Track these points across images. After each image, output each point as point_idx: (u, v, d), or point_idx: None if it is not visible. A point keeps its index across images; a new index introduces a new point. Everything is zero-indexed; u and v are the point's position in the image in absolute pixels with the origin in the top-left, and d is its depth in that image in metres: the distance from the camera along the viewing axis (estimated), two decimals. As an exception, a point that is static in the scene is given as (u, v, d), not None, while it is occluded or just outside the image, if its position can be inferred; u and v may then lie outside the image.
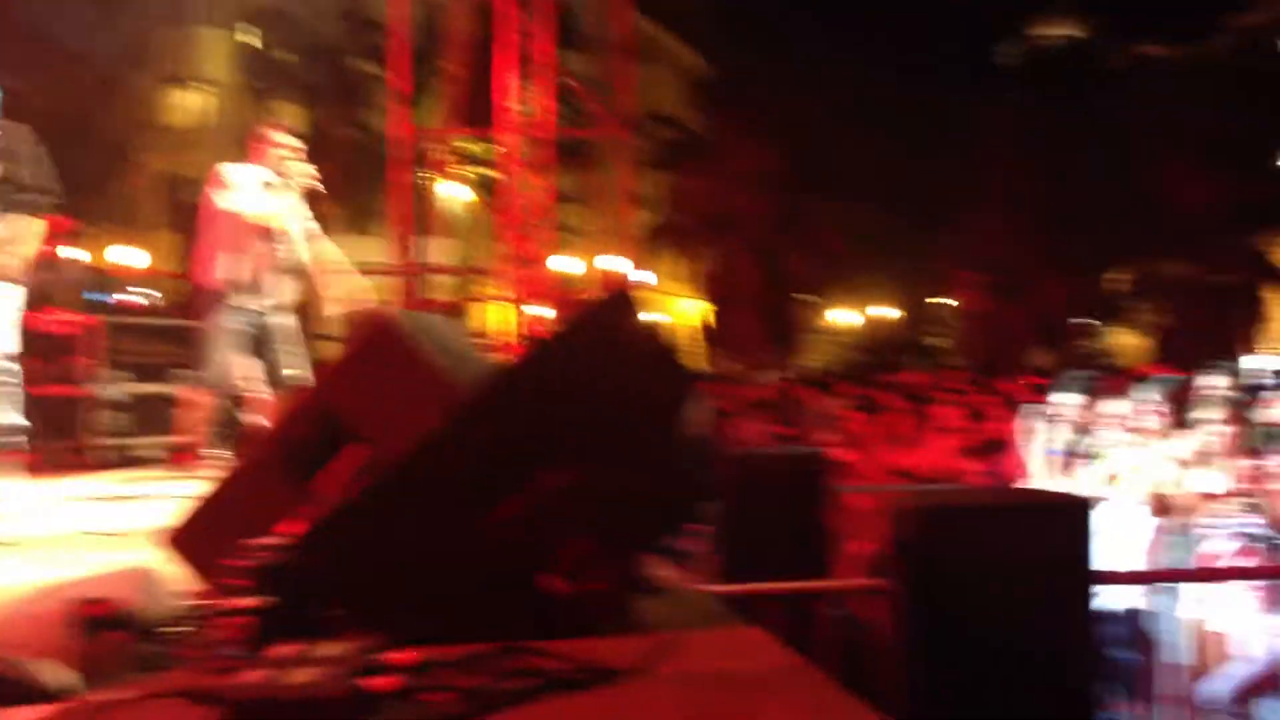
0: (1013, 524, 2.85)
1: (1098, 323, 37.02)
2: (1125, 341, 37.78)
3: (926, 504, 2.94)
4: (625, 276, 18.97)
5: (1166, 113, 32.68)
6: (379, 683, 1.78)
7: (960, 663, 2.84)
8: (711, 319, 34.67)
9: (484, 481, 2.27)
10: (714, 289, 34.29)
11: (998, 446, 7.81)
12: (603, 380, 2.42)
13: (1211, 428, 6.00)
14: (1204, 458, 5.79)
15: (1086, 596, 2.92)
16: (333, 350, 6.85)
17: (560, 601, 2.20)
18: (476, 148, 22.69)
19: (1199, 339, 32.23)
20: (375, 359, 2.64)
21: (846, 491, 8.15)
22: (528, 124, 15.36)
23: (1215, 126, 32.06)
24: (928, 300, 38.71)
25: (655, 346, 2.60)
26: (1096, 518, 3.00)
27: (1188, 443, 5.98)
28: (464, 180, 24.75)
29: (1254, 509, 5.11)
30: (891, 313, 38.50)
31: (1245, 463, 5.36)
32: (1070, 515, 2.89)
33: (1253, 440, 5.76)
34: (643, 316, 2.58)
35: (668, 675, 1.93)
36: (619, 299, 2.59)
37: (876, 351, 35.31)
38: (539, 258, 15.76)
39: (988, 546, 2.84)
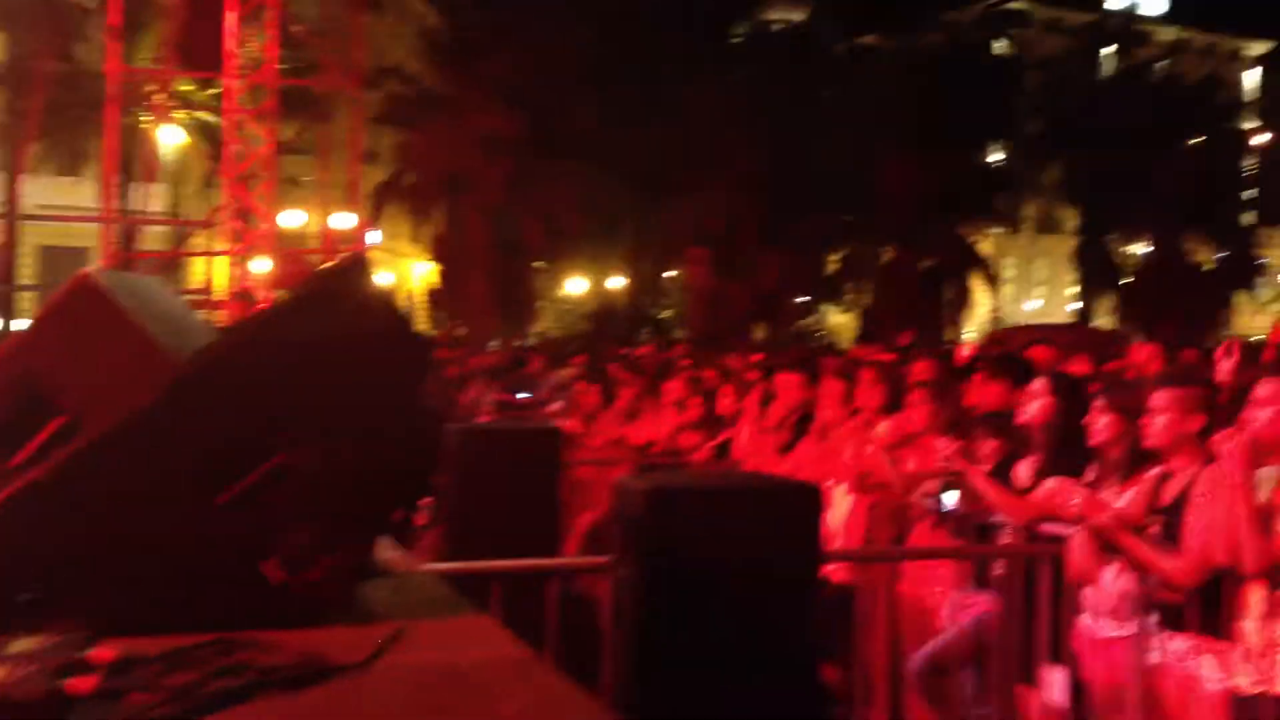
0: (740, 507, 2.88)
1: (814, 300, 38.75)
2: (839, 320, 39.71)
3: (653, 485, 2.93)
4: (353, 234, 18.43)
5: (882, 101, 34.37)
6: (80, 683, 1.61)
7: (685, 642, 2.86)
8: (440, 282, 34.23)
9: (199, 460, 2.10)
10: (443, 251, 33.84)
11: (724, 422, 7.99)
12: (333, 351, 2.28)
13: (918, 408, 6.29)
14: (912, 438, 6.06)
15: (812, 579, 2.99)
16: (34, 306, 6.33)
17: (281, 590, 2.07)
18: (196, 91, 21.54)
19: (904, 320, 34.19)
20: (76, 322, 2.40)
21: (577, 465, 8.20)
22: (251, 69, 14.67)
23: (926, 117, 33.96)
24: (658, 273, 39.47)
25: (389, 315, 2.47)
26: (820, 500, 3.08)
27: (897, 423, 6.26)
28: (182, 125, 23.46)
29: (956, 489, 5.39)
30: (622, 283, 39.03)
31: (947, 442, 5.64)
32: (797, 500, 2.94)
33: (955, 420, 6.08)
34: (376, 282, 2.45)
35: (392, 669, 1.84)
36: (352, 263, 2.45)
37: (607, 322, 35.72)
38: (261, 211, 15.12)
39: (714, 528, 2.86)
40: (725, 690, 2.87)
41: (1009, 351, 8.38)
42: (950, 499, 5.38)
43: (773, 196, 33.22)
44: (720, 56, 34.53)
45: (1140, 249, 41.54)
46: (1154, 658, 4.48)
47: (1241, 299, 42.13)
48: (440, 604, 2.34)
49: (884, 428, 6.29)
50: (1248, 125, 45.78)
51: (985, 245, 39.66)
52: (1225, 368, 5.68)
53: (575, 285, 39.09)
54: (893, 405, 6.44)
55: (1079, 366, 8.80)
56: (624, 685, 3.02)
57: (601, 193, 31.68)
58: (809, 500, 2.98)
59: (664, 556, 2.74)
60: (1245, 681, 4.13)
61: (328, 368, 2.20)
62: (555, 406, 11.89)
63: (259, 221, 14.93)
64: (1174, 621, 4.41)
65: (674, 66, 32.43)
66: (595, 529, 7.55)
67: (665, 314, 40.07)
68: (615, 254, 37.24)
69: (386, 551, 2.52)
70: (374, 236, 31.54)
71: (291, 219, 22.38)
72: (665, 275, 39.42)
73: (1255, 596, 4.12)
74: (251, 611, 1.99)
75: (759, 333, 34.58)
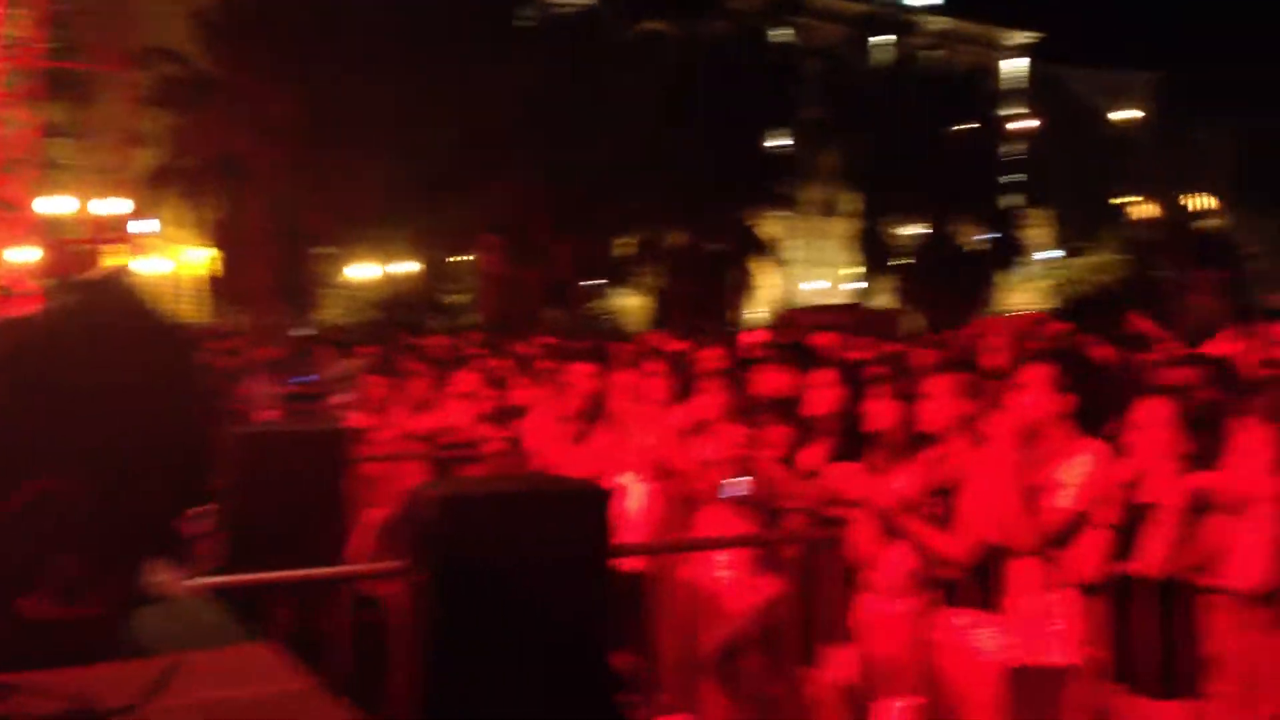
0: (533, 511, 2.86)
1: (605, 285, 39.00)
2: (630, 304, 40.07)
3: (447, 491, 2.89)
4: (123, 220, 17.58)
5: (668, 87, 34.75)
6: None
7: (480, 647, 2.83)
8: (219, 269, 33.01)
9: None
10: (221, 237, 32.60)
11: (517, 412, 7.93)
12: (96, 366, 2.14)
13: (708, 396, 6.38)
14: (702, 426, 6.14)
15: (603, 578, 3.00)
16: None
17: (45, 627, 1.93)
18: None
19: (694, 303, 34.78)
20: None
21: (365, 460, 8.01)
22: (12, 51, 13.79)
23: (711, 103, 34.53)
24: (449, 258, 39.01)
25: (157, 326, 2.34)
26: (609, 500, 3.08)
27: (688, 410, 6.33)
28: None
29: (746, 475, 5.49)
30: (412, 268, 38.39)
31: (739, 430, 5.75)
32: (588, 501, 2.94)
33: (744, 407, 6.19)
34: (136, 288, 2.31)
35: (166, 711, 1.74)
36: (111, 273, 2.31)
37: (396, 309, 35.09)
38: (21, 199, 14.26)
39: (508, 533, 2.83)
40: (519, 693, 2.85)
41: (795, 339, 8.60)
42: (741, 485, 5.48)
43: (564, 182, 33.24)
44: (506, 41, 34.29)
45: (916, 231, 43.33)
46: (933, 633, 4.67)
47: (1006, 278, 44.43)
48: (217, 631, 2.23)
49: (677, 416, 6.35)
50: (1013, 112, 48.23)
51: (770, 228, 40.65)
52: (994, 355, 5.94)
53: (364, 271, 38.26)
54: (683, 393, 6.52)
55: (861, 351, 9.11)
56: (417, 690, 2.96)
57: (388, 179, 31.04)
58: (599, 501, 2.97)
59: (458, 563, 2.70)
60: (1018, 652, 4.35)
61: (86, 385, 2.06)
62: (342, 398, 11.58)
63: (19, 210, 14.08)
64: (952, 597, 4.61)
65: (460, 51, 32.03)
66: (386, 527, 7.40)
67: (457, 300, 39.66)
68: (405, 239, 36.60)
69: (159, 573, 2.38)
70: (149, 224, 30.15)
71: (56, 205, 21.17)
72: (457, 260, 39.00)
73: (1026, 571, 4.34)
74: (15, 652, 1.86)
75: (551, 318, 34.61)
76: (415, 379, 9.53)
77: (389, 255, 37.71)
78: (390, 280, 38.09)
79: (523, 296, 33.45)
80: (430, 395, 9.14)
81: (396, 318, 32.17)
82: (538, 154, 32.56)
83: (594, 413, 6.97)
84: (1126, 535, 4.12)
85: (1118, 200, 49.53)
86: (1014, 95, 51.59)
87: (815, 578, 5.12)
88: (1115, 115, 53.69)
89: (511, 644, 2.85)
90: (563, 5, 38.86)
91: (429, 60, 31.22)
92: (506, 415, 8.03)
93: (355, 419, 9.40)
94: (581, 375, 7.19)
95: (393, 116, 30.03)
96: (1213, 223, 49.38)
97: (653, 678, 5.67)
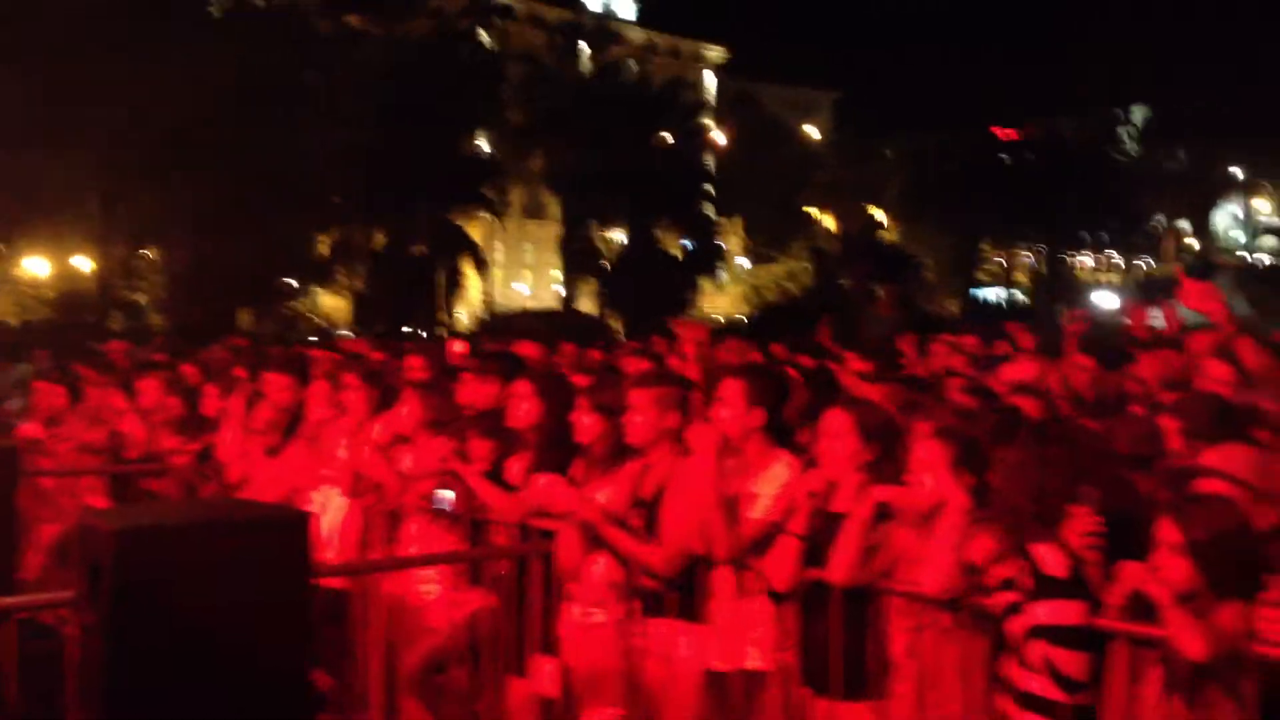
0: (222, 543, 2.68)
1: (301, 285, 37.75)
2: (330, 303, 38.98)
3: (122, 524, 2.66)
4: None
5: (372, 85, 34.02)
6: None
7: (162, 690, 2.63)
8: None
9: None
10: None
11: (206, 423, 7.54)
12: None
13: (410, 407, 6.24)
14: (403, 437, 6.01)
15: (303, 608, 2.85)
16: None
17: None
18: None
19: (396, 304, 34.21)
20: None
21: (39, 474, 7.44)
22: None
23: (414, 102, 34.03)
24: (132, 254, 36.78)
25: None
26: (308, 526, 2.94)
27: (389, 422, 6.17)
28: None
29: (450, 488, 5.40)
30: (86, 265, 35.91)
31: (443, 442, 5.65)
32: (284, 529, 2.79)
33: (449, 419, 6.08)
34: None
35: None
36: None
37: (73, 308, 32.72)
38: None
39: (193, 567, 2.64)
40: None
41: (499, 349, 8.54)
42: (446, 499, 5.39)
43: (257, 176, 31.93)
44: (198, 31, 32.67)
45: (620, 236, 44.15)
46: (636, 641, 4.73)
47: (705, 284, 45.92)
48: None
49: (377, 428, 6.19)
50: (708, 123, 49.90)
51: (474, 230, 40.45)
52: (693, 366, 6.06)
53: (36, 266, 35.49)
54: (384, 404, 6.35)
55: (567, 359, 9.16)
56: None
57: (72, 169, 28.93)
58: (296, 528, 2.83)
59: (135, 606, 2.49)
60: (718, 660, 4.46)
61: None
62: (11, 406, 10.78)
63: None
64: (655, 607, 4.68)
65: (146, 38, 30.23)
66: (62, 544, 6.90)
67: (140, 299, 37.42)
68: (82, 233, 34.20)
69: None
70: None
71: None
72: (141, 256, 36.78)
73: (725, 580, 4.45)
74: None
75: (245, 318, 33.22)
76: (93, 387, 8.92)
77: (65, 249, 35.16)
78: (66, 277, 35.50)
79: (213, 295, 31.90)
80: (110, 404, 8.57)
81: (73, 318, 29.99)
82: (228, 146, 31.11)
83: (289, 424, 6.71)
84: (816, 543, 4.27)
85: (804, 211, 52.08)
86: (709, 108, 53.39)
87: (522, 590, 5.09)
88: (802, 130, 56.46)
89: (200, 687, 2.66)
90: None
91: (109, 48, 29.36)
92: (194, 426, 7.62)
93: (27, 429, 8.72)
94: (276, 386, 6.90)
95: (70, 105, 28.05)
96: (888, 236, 52.71)
97: (355, 696, 5.50)
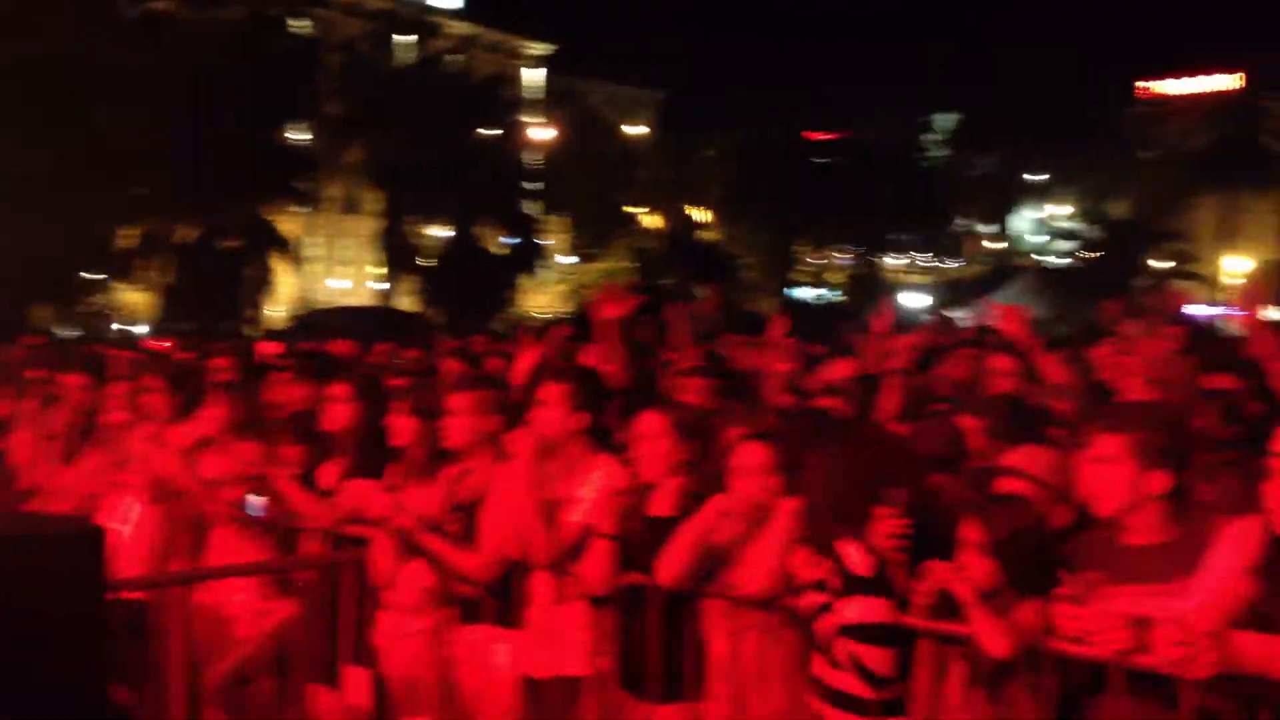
0: (12, 559, 2.54)
1: (107, 279, 36.12)
2: (134, 299, 37.39)
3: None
4: None
5: (177, 71, 32.70)
6: None
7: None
8: None
9: None
10: None
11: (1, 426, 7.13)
12: None
13: (216, 409, 6.00)
14: (208, 441, 5.78)
15: (99, 624, 2.72)
16: None
17: None
18: None
19: (205, 300, 33.03)
20: None
21: None
22: None
23: (224, 90, 32.84)
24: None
25: None
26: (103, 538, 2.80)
27: (193, 426, 5.93)
28: None
29: (261, 494, 5.23)
30: None
31: (251, 446, 5.46)
32: (77, 543, 2.65)
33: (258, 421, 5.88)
34: None
35: None
36: None
37: None
38: None
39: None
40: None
41: (313, 350, 8.32)
42: (257, 504, 5.21)
43: (51, 161, 30.33)
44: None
45: (440, 233, 43.54)
46: (452, 649, 4.66)
47: (526, 281, 45.71)
48: None
49: (180, 431, 5.94)
50: (532, 120, 49.65)
51: (289, 224, 39.33)
52: (518, 369, 6.01)
53: None
54: (189, 406, 6.09)
55: (383, 358, 8.98)
56: None
57: None
58: (89, 540, 2.69)
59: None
60: (535, 667, 4.42)
61: None
62: None
63: None
64: (471, 614, 4.62)
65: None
66: None
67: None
68: None
69: None
70: None
71: None
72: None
73: (543, 585, 4.42)
74: None
75: (42, 315, 31.57)
76: None
77: None
78: None
79: (6, 288, 30.20)
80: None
81: None
82: (20, 126, 29.46)
83: (87, 428, 6.40)
84: (632, 544, 4.27)
85: (628, 210, 52.36)
86: (533, 104, 53.20)
87: (333, 598, 4.96)
88: (626, 129, 56.74)
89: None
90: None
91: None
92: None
93: None
94: (73, 387, 6.58)
95: None
96: (710, 235, 53.47)
97: (156, 710, 5.27)
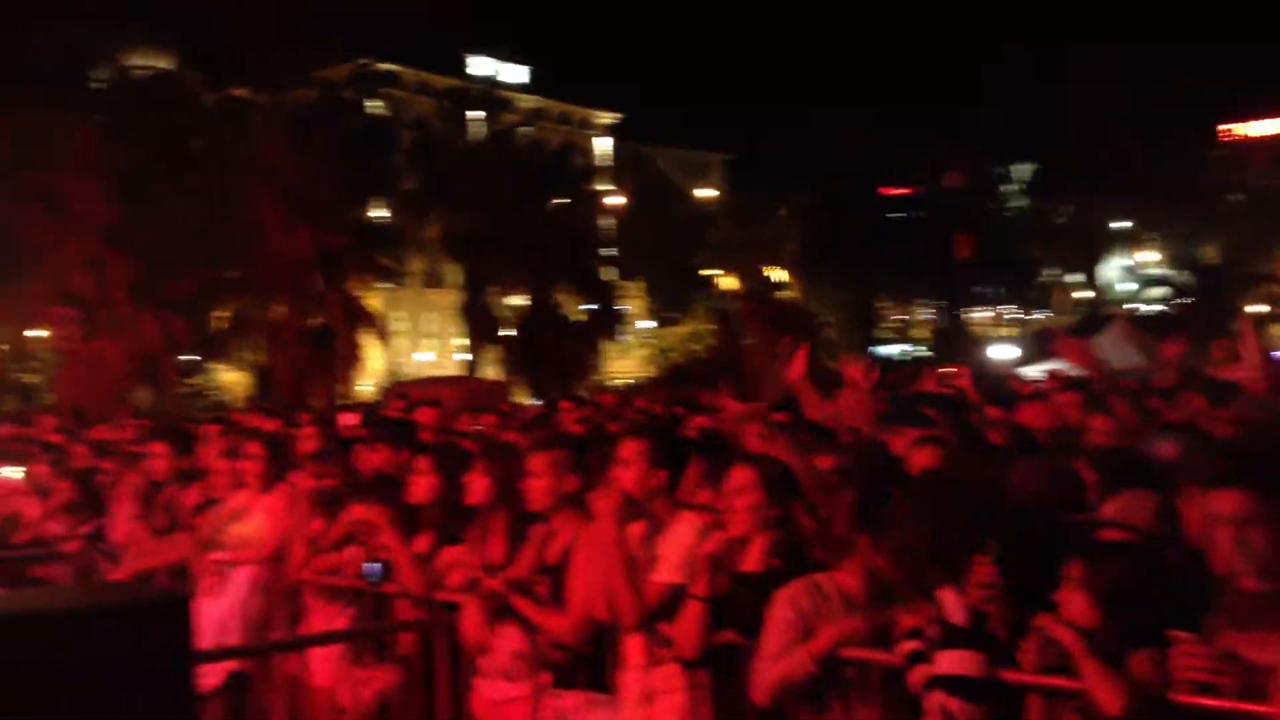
0: (92, 629, 2.53)
1: (201, 360, 36.99)
2: (230, 379, 38.19)
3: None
4: None
5: (258, 156, 33.58)
6: None
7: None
8: None
9: None
10: None
11: (97, 507, 7.26)
12: None
13: (307, 478, 6.06)
14: (306, 509, 5.82)
15: (187, 694, 2.71)
16: None
17: None
18: None
19: (297, 378, 33.59)
20: None
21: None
22: None
23: (305, 175, 33.64)
24: (21, 334, 35.80)
25: None
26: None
27: (288, 493, 5.99)
28: None
29: (375, 560, 5.20)
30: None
31: (359, 511, 5.45)
32: (162, 612, 2.64)
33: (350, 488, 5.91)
34: None
35: None
36: None
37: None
38: None
39: (61, 655, 2.49)
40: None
41: (402, 414, 8.41)
42: (374, 570, 5.18)
43: (144, 251, 31.26)
44: (80, 102, 32.07)
45: (520, 301, 43.91)
46: (548, 715, 4.59)
47: (608, 346, 45.87)
48: None
49: (273, 499, 6.00)
50: (602, 188, 50.12)
51: (374, 300, 39.96)
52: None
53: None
54: (280, 474, 6.16)
55: (467, 425, 9.03)
56: None
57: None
58: (176, 610, 2.68)
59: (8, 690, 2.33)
60: (629, 730, 4.33)
61: None
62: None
63: None
64: (565, 679, 4.55)
65: (27, 110, 29.59)
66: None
67: (33, 378, 36.34)
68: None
69: None
70: None
71: None
72: (33, 335, 35.78)
73: (636, 648, 4.33)
74: None
75: (142, 397, 32.35)
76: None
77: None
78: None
79: (106, 374, 31.02)
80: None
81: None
82: (113, 219, 30.42)
83: (173, 499, 6.50)
84: (721, 603, 4.15)
85: (703, 273, 52.42)
86: (602, 171, 53.68)
87: (428, 665, 4.94)
88: (696, 192, 56.98)
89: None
90: (141, 68, 36.85)
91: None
92: (89, 508, 7.31)
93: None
94: (158, 455, 6.71)
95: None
96: (787, 294, 53.27)
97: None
